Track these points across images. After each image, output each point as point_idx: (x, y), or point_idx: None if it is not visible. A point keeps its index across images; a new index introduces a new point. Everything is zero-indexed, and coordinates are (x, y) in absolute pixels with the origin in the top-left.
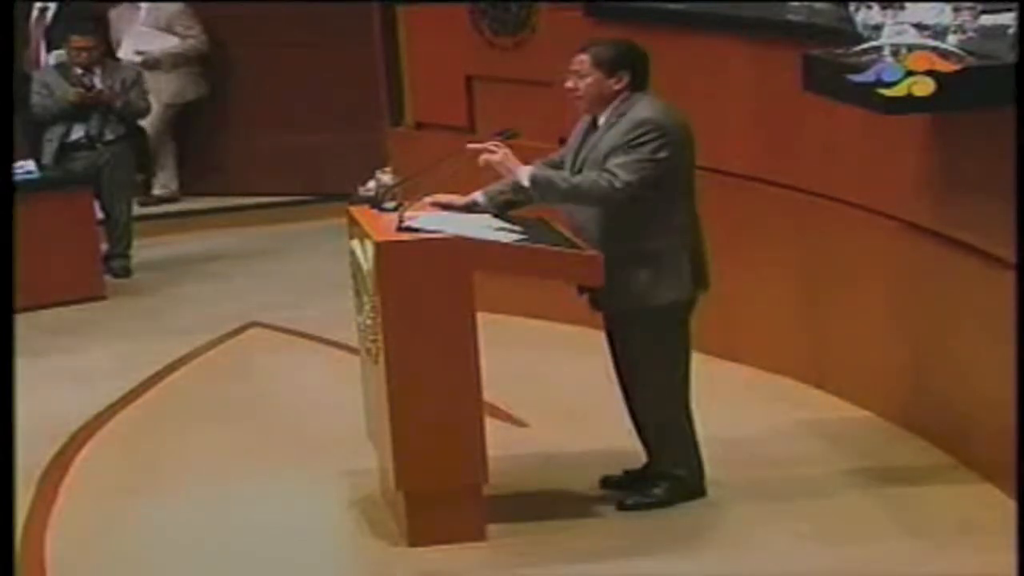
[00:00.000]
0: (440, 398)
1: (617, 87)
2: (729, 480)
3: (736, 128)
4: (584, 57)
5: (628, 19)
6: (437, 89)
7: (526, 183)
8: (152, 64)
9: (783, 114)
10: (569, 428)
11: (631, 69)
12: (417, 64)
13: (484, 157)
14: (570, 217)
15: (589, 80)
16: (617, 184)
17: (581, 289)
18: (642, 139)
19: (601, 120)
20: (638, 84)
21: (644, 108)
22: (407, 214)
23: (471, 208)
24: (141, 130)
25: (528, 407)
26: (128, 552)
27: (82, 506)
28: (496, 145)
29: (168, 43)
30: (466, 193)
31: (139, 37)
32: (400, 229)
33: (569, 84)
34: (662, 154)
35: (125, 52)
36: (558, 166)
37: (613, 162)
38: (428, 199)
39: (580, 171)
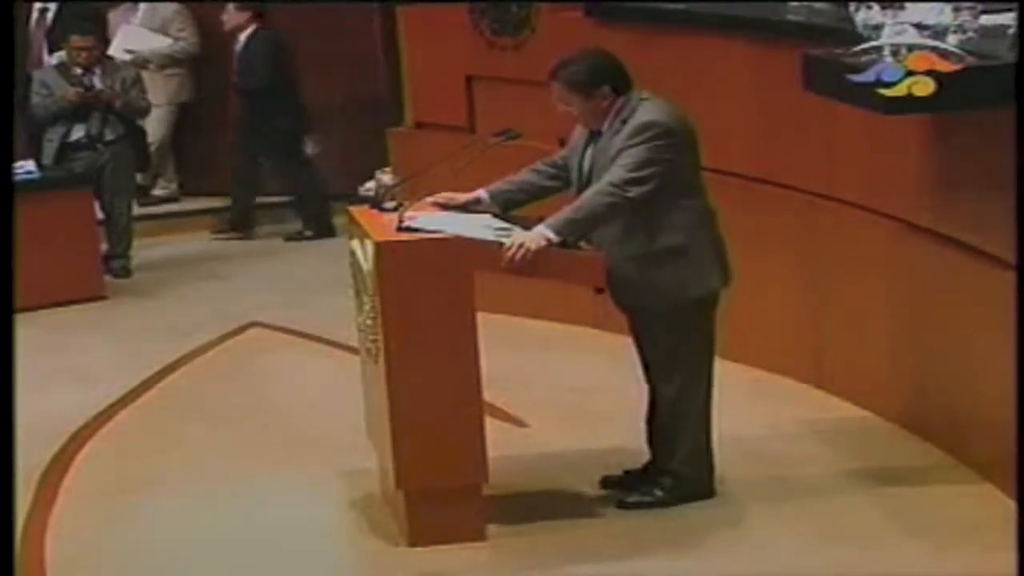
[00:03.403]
0: (440, 398)
1: (604, 102)
2: (730, 480)
3: (736, 128)
4: (557, 85)
5: (628, 19)
6: (437, 89)
7: (556, 240)
8: (141, 64)
9: (783, 114)
10: (569, 428)
11: (608, 81)
12: (417, 64)
13: (509, 258)
14: None
15: (575, 104)
16: (626, 186)
17: (599, 288)
18: (647, 141)
19: (604, 127)
20: (622, 89)
21: (646, 111)
22: (407, 214)
23: (474, 206)
24: (141, 130)
25: (528, 407)
26: (128, 552)
27: (82, 506)
28: (512, 240)
29: (159, 43)
30: (467, 193)
31: (130, 35)
32: (400, 229)
33: (561, 108)
34: (668, 155)
35: (115, 50)
36: (559, 167)
37: (617, 163)
38: (429, 199)
39: (588, 179)
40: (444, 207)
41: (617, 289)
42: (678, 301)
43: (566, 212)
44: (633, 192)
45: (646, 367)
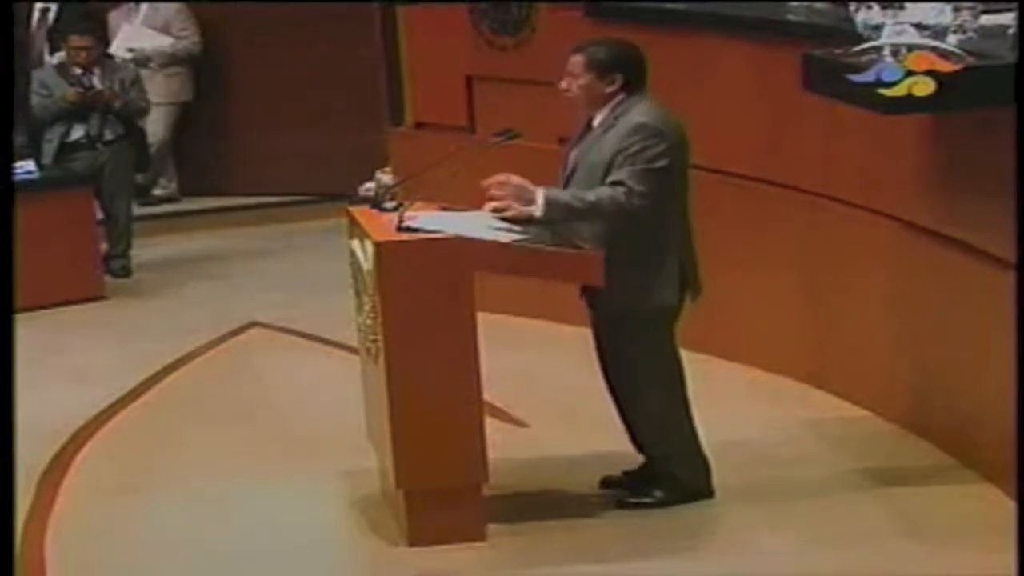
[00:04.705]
0: (440, 398)
1: (610, 90)
2: (729, 480)
3: (736, 128)
4: (578, 58)
5: (628, 19)
6: (437, 89)
7: (540, 215)
8: (142, 62)
9: (783, 114)
10: (569, 428)
11: (624, 72)
12: (417, 64)
13: (493, 205)
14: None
15: (582, 81)
16: (635, 199)
17: (583, 289)
18: (639, 146)
19: (596, 122)
20: (633, 87)
21: (640, 112)
22: (407, 214)
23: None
24: (140, 130)
25: (528, 407)
26: (128, 552)
27: (82, 506)
28: (501, 189)
29: (160, 43)
30: (468, 193)
31: (132, 35)
32: (400, 229)
33: (563, 84)
34: (661, 162)
35: (117, 49)
36: None
37: (622, 173)
38: (489, 204)
39: (573, 172)
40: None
41: (593, 290)
42: (636, 309)
43: (566, 196)
44: (637, 205)
45: (606, 374)
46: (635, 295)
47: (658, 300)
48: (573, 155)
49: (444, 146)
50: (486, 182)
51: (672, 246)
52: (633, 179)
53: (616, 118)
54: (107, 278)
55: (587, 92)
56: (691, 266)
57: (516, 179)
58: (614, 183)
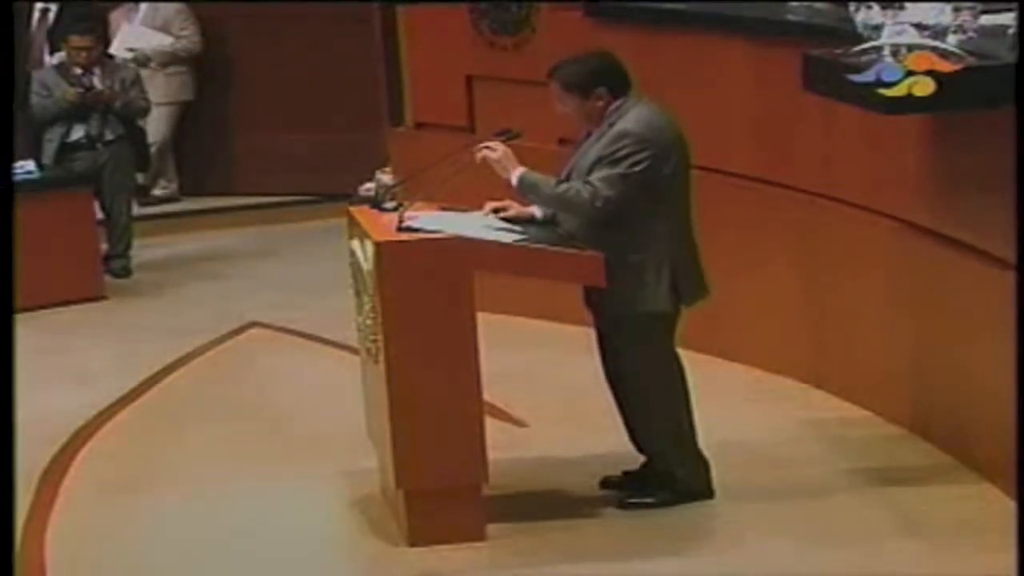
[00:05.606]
0: (440, 398)
1: (600, 103)
2: (729, 481)
3: (736, 128)
4: (555, 85)
5: (628, 19)
6: (437, 89)
7: (514, 183)
8: (143, 62)
9: (783, 114)
10: (569, 428)
11: (605, 83)
12: (417, 64)
13: (483, 154)
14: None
15: (570, 106)
16: (598, 202)
17: (586, 292)
18: (622, 152)
19: (595, 129)
20: (619, 91)
21: (630, 119)
22: (407, 214)
23: (528, 219)
24: (141, 130)
25: (528, 407)
26: (128, 552)
27: (82, 506)
28: (497, 144)
29: (161, 42)
30: (467, 193)
31: (132, 35)
32: (400, 229)
33: (559, 109)
34: (639, 168)
35: (117, 49)
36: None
37: (596, 175)
38: (489, 204)
39: (567, 178)
40: (497, 211)
41: (591, 293)
42: (632, 312)
43: (541, 180)
44: (600, 208)
45: (608, 375)
46: (629, 300)
47: (650, 306)
48: (572, 161)
49: (444, 146)
50: (489, 205)
51: (661, 253)
52: (604, 182)
53: (610, 125)
54: (107, 278)
55: (580, 112)
56: (694, 270)
57: (500, 148)
58: (586, 182)
